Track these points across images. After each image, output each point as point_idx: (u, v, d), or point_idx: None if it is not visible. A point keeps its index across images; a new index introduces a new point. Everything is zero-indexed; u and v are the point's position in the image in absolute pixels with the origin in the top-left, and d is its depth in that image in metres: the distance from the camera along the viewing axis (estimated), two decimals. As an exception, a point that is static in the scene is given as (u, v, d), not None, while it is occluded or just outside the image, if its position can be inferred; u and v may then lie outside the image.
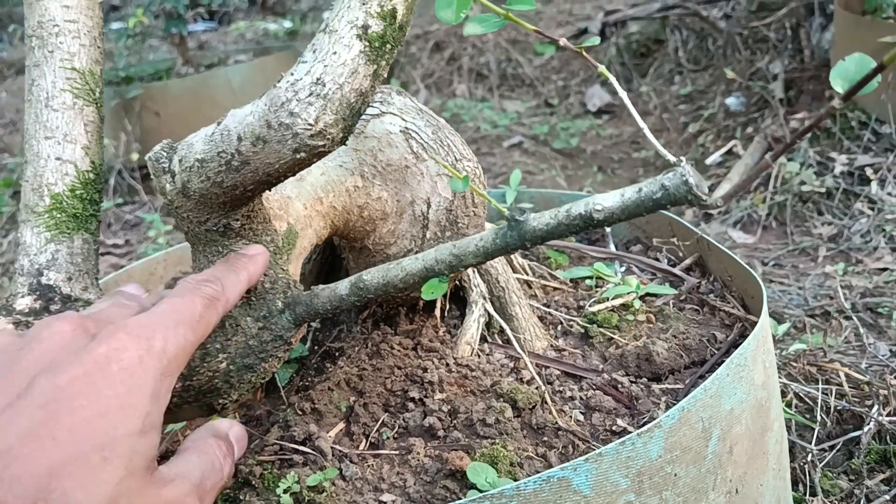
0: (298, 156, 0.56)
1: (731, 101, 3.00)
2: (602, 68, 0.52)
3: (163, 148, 0.63)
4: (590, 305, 0.94)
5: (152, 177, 0.63)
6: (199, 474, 0.55)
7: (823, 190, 2.31)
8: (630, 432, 0.77)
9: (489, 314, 0.87)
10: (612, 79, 0.52)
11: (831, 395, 1.13)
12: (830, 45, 2.99)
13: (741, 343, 0.88)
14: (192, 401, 0.65)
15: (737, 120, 2.90)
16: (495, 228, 0.54)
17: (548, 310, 0.94)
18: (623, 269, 1.06)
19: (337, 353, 0.88)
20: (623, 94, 0.51)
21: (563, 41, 0.54)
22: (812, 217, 2.29)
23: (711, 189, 2.49)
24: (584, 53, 0.54)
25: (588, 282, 1.00)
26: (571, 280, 1.01)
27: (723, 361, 0.86)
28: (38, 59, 0.65)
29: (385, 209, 0.75)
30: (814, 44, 3.24)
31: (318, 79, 0.54)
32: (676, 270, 1.01)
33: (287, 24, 5.36)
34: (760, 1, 3.75)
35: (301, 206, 0.71)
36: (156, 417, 0.52)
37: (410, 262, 0.58)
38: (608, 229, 1.16)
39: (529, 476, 0.72)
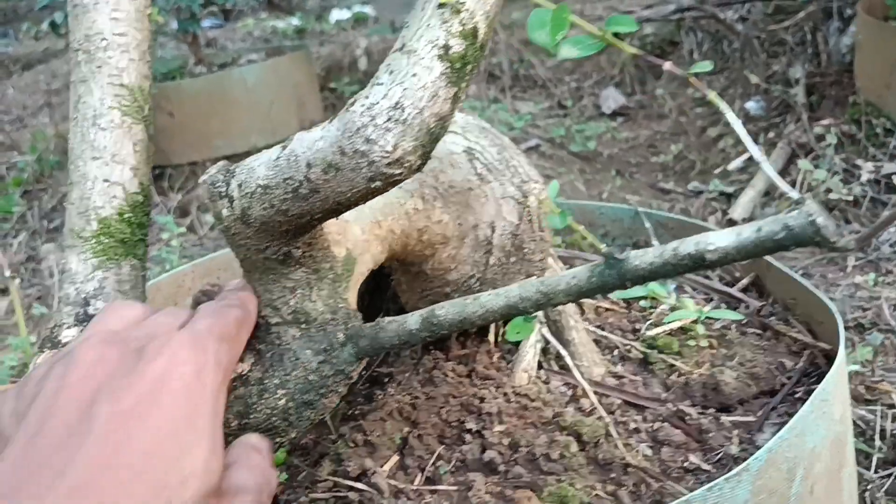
0: (373, 185, 0.52)
1: (751, 106, 2.96)
2: (712, 95, 0.48)
3: (220, 171, 0.58)
4: (646, 329, 0.90)
5: (207, 201, 0.59)
6: (256, 487, 0.53)
7: (851, 198, 2.27)
8: (705, 470, 0.72)
9: (545, 339, 0.83)
10: (724, 105, 0.47)
11: (887, 418, 1.09)
12: (848, 49, 2.94)
13: (811, 371, 0.84)
14: (248, 441, 0.60)
15: (758, 125, 2.85)
16: (590, 266, 0.49)
17: (602, 333, 0.90)
18: (674, 287, 1.02)
19: (386, 379, 0.84)
20: (737, 122, 0.47)
21: (668, 65, 0.50)
22: (839, 225, 2.25)
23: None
24: (692, 79, 0.50)
25: (642, 302, 0.96)
26: (624, 300, 0.97)
27: (794, 392, 0.82)
28: (84, 74, 0.61)
29: (446, 233, 0.71)
30: (831, 48, 3.19)
31: (396, 103, 0.50)
32: (734, 291, 0.97)
33: (295, 21, 5.32)
34: (777, 4, 3.71)
35: (359, 231, 0.67)
36: (219, 433, 0.50)
37: (490, 299, 0.54)
38: (654, 240, 1.12)
39: (601, 518, 0.68)
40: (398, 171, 0.51)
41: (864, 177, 2.32)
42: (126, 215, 0.62)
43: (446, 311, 0.56)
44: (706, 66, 0.51)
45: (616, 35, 0.54)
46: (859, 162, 2.40)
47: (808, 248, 2.19)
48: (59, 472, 0.42)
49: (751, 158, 2.64)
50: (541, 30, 0.50)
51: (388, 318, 0.60)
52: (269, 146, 0.59)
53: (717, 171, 2.71)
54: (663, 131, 3.26)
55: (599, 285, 0.49)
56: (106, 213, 0.61)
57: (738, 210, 2.35)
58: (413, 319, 0.58)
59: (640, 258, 0.48)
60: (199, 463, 0.47)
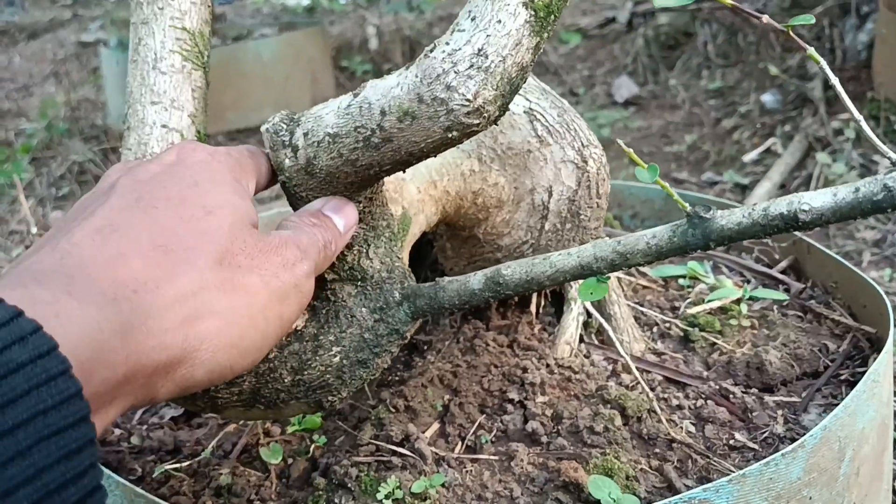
0: (450, 135, 0.50)
1: (767, 98, 2.94)
2: (811, 51, 0.47)
3: (283, 119, 0.57)
4: (686, 307, 0.89)
5: (268, 150, 0.57)
6: (304, 240, 0.53)
7: (868, 193, 2.25)
8: (751, 448, 0.72)
9: (588, 312, 0.82)
10: (823, 62, 0.46)
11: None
12: (864, 46, 2.93)
13: (854, 354, 0.84)
14: (300, 397, 0.59)
15: (774, 117, 2.84)
16: (672, 225, 0.48)
17: (642, 309, 0.89)
18: (710, 265, 1.01)
19: (425, 347, 0.82)
20: (837, 83, 0.46)
21: (765, 18, 0.49)
22: (855, 220, 2.24)
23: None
24: (790, 33, 0.48)
25: (681, 281, 0.94)
26: (662, 278, 0.96)
27: (838, 374, 0.81)
28: (146, 15, 0.59)
29: (501, 196, 0.69)
30: (847, 44, 3.18)
31: (479, 49, 0.48)
32: (774, 273, 0.96)
33: (305, 0, 5.27)
34: (794, -2, 3.69)
35: (415, 190, 0.65)
36: (243, 190, 0.52)
37: (561, 258, 0.52)
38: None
39: (648, 490, 0.67)
40: (476, 122, 0.49)
41: (881, 172, 2.30)
42: (182, 164, 0.60)
43: (512, 270, 0.54)
44: (809, 18, 0.50)
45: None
46: (876, 158, 2.39)
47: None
48: (86, 218, 0.45)
49: (766, 150, 2.63)
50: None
51: (447, 278, 0.58)
52: None
53: (735, 160, 2.70)
54: (676, 121, 3.24)
55: (681, 245, 0.48)
56: (163, 161, 0.60)
57: (754, 201, 2.33)
58: (476, 279, 0.56)
59: (726, 217, 0.46)
60: (223, 201, 0.49)
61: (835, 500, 0.67)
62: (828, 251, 0.92)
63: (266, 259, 0.49)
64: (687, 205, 0.48)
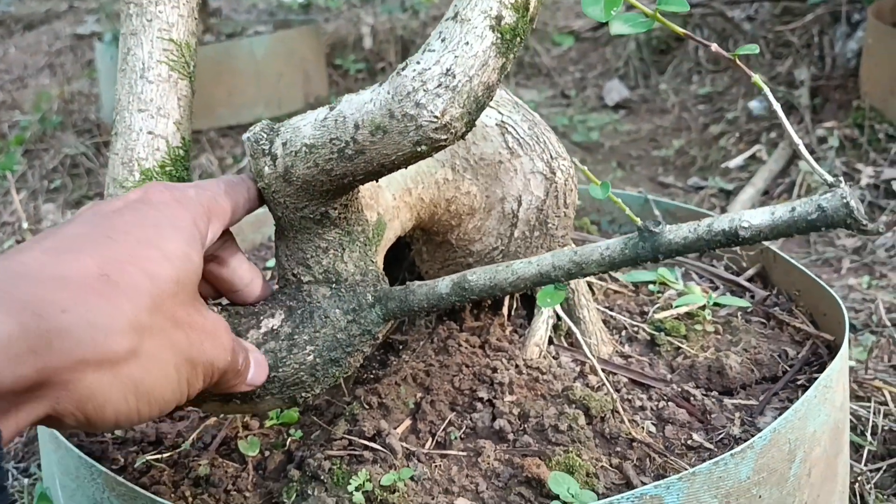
0: (419, 149, 0.53)
1: (755, 105, 2.97)
2: (756, 78, 0.50)
3: (263, 129, 0.60)
4: (654, 312, 0.92)
5: (249, 157, 0.61)
6: (239, 345, 0.56)
7: (848, 201, 2.29)
8: (707, 448, 0.75)
9: (557, 316, 0.85)
10: (767, 90, 0.49)
11: (879, 414, 1.12)
12: (854, 54, 2.97)
13: (812, 361, 0.87)
14: (275, 392, 0.62)
15: (760, 124, 2.87)
16: (624, 238, 0.51)
17: (611, 313, 0.92)
18: (681, 272, 1.04)
19: (400, 346, 0.85)
20: (779, 109, 0.49)
21: (714, 47, 0.52)
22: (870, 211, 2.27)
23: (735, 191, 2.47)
24: (738, 61, 0.51)
25: (650, 286, 0.98)
26: (632, 283, 0.99)
27: (796, 379, 0.84)
28: (135, 27, 0.62)
29: (473, 204, 0.73)
30: (836, 52, 3.22)
31: (447, 69, 0.52)
32: (741, 280, 0.99)
33: (301, -4, 5.29)
34: (785, 5, 3.73)
35: (390, 197, 0.69)
36: (201, 245, 0.53)
37: (523, 266, 0.55)
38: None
39: (607, 487, 0.70)
40: (444, 137, 0.53)
41: (864, 181, 2.34)
42: (167, 168, 0.63)
43: (477, 276, 0.58)
44: (753, 48, 0.53)
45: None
46: (860, 166, 2.43)
47: (819, 235, 2.20)
48: (41, 239, 0.47)
49: (752, 157, 2.66)
50: (595, 5, 0.52)
51: (417, 282, 0.62)
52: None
53: (716, 167, 2.73)
54: (665, 126, 3.27)
55: (632, 257, 0.51)
56: (148, 165, 0.63)
57: (737, 207, 2.37)
58: (444, 284, 0.59)
59: (674, 232, 0.50)
60: (179, 250, 0.50)
61: (785, 499, 0.70)
62: (791, 260, 0.95)
63: (200, 325, 0.50)
64: (638, 219, 0.51)
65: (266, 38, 2.94)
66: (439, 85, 0.52)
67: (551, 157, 0.73)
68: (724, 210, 2.44)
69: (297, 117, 0.59)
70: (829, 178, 0.46)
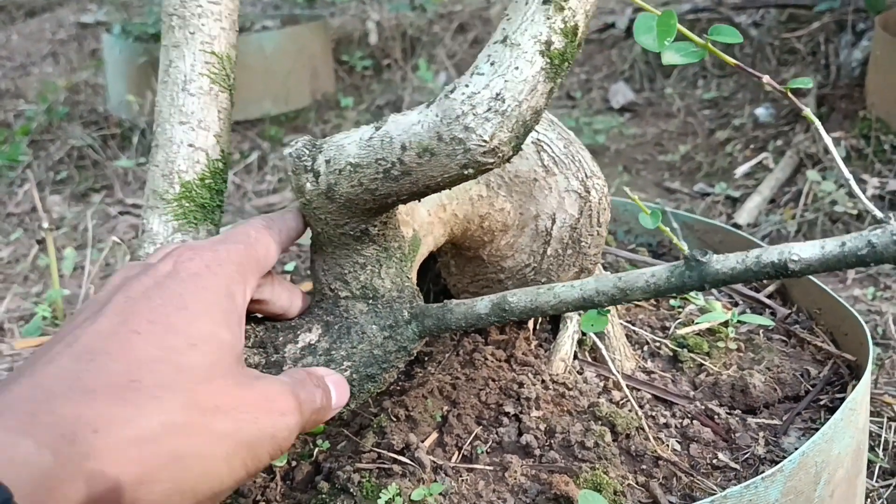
0: (465, 172, 0.54)
1: (761, 112, 2.98)
2: (807, 111, 0.50)
3: (305, 145, 0.60)
4: (676, 327, 0.93)
5: (290, 173, 0.61)
6: (291, 382, 0.53)
7: (855, 212, 2.30)
8: (733, 468, 0.75)
9: (582, 331, 0.85)
10: (817, 122, 0.50)
11: (891, 430, 1.13)
12: (859, 63, 2.98)
13: (834, 380, 0.87)
14: (312, 408, 0.62)
15: (766, 132, 2.88)
16: (670, 266, 0.52)
17: (633, 328, 0.92)
18: (700, 289, 1.05)
19: (426, 358, 0.86)
20: (838, 158, 0.49)
21: (766, 79, 0.52)
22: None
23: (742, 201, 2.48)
24: (790, 94, 0.52)
25: (672, 301, 0.98)
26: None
27: (818, 399, 0.85)
28: (178, 39, 0.62)
29: (507, 221, 0.73)
30: (841, 60, 3.22)
31: (497, 94, 0.52)
32: (762, 297, 1.00)
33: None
34: (791, 12, 3.74)
35: (425, 213, 0.69)
36: (235, 315, 0.51)
37: (566, 290, 0.56)
38: (684, 243, 1.14)
39: (634, 506, 0.71)
40: (491, 161, 0.53)
41: (869, 192, 2.35)
42: (207, 181, 0.64)
43: (518, 298, 0.58)
44: (807, 82, 0.53)
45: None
46: (865, 177, 2.43)
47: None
48: (71, 341, 0.46)
49: (759, 164, 2.67)
50: (647, 34, 0.52)
51: (455, 301, 0.62)
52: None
53: (727, 171, 2.74)
54: (671, 130, 3.28)
55: (678, 286, 0.52)
56: (188, 178, 0.63)
57: (744, 215, 2.38)
58: (483, 304, 0.60)
59: (721, 262, 0.50)
60: (206, 331, 0.48)
61: (809, 520, 0.71)
62: (813, 278, 0.96)
63: (248, 401, 0.48)
64: (685, 247, 0.52)
65: (275, 34, 2.93)
66: (489, 109, 0.52)
67: (586, 175, 0.73)
68: (730, 217, 2.45)
69: (341, 135, 0.59)
70: (879, 214, 0.46)
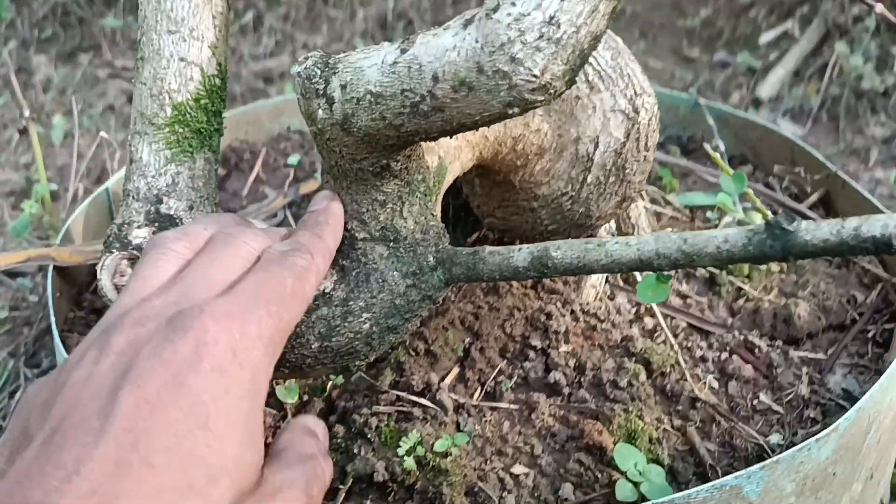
0: (509, 111, 0.45)
1: (788, -26, 2.80)
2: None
3: (316, 63, 0.50)
4: (713, 245, 0.86)
5: (298, 95, 0.52)
6: (304, 481, 0.48)
7: (882, 88, 2.19)
8: (775, 412, 0.70)
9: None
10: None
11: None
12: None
13: (882, 308, 0.81)
14: (327, 362, 0.56)
15: (793, -3, 2.71)
16: (748, 230, 0.44)
17: (667, 245, 0.85)
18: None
19: (445, 283, 0.79)
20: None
21: (879, 7, 0.43)
22: (866, 115, 2.19)
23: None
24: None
25: (708, 213, 0.91)
26: (689, 208, 0.92)
27: (865, 330, 0.79)
28: (163, -69, 0.52)
29: (543, 144, 0.64)
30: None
31: (551, 17, 0.42)
32: (802, 208, 0.92)
33: None
34: None
35: (451, 136, 0.60)
36: (258, 419, 0.44)
37: (619, 248, 0.48)
38: (720, 142, 1.05)
39: (671, 455, 0.66)
40: (541, 98, 0.44)
41: (898, 66, 2.23)
42: (202, 101, 0.55)
43: (563, 253, 0.50)
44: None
45: None
46: (894, 50, 2.30)
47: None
48: (73, 472, 0.38)
49: (784, 34, 2.53)
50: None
51: (489, 248, 0.54)
52: None
53: (749, 39, 2.60)
54: (690, -9, 3.10)
55: (755, 255, 0.44)
56: (181, 98, 0.54)
57: (766, 88, 2.26)
58: (521, 255, 0.52)
59: (811, 233, 0.42)
60: (229, 457, 0.41)
61: (855, 470, 0.66)
62: (863, 191, 0.88)
63: None
64: (769, 212, 0.44)
65: None
66: (540, 36, 0.43)
67: (635, 93, 0.64)
68: (751, 91, 2.33)
69: (359, 53, 0.49)
70: None
